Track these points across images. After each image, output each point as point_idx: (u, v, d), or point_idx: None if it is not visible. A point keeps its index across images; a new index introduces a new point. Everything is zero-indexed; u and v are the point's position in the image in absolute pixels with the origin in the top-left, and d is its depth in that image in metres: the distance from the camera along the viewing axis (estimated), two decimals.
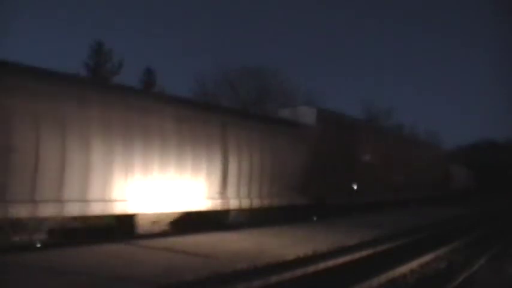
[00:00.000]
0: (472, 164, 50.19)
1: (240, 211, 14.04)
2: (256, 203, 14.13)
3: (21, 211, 8.66)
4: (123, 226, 11.29)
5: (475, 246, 12.86)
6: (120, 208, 10.33)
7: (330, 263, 9.22)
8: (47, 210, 9.04)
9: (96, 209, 9.86)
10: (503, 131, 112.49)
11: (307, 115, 17.65)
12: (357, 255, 10.26)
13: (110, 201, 10.11)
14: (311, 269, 8.57)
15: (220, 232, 11.97)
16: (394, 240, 12.61)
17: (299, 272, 8.23)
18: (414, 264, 9.87)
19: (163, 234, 11.36)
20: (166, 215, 12.13)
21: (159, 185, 11.14)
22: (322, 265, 8.91)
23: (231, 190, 13.18)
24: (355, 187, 18.77)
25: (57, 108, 9.39)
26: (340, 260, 9.58)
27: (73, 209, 9.45)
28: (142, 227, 11.84)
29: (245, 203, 13.72)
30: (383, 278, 8.38)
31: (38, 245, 9.33)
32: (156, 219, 12.20)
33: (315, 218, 16.46)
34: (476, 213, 24.36)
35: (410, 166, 26.51)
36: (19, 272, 7.02)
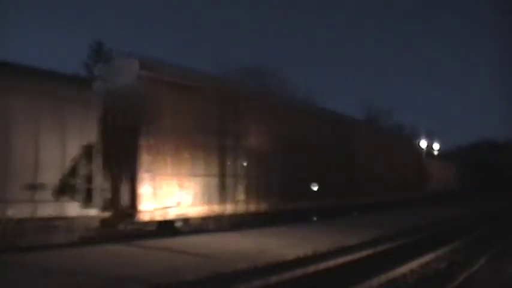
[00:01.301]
0: (472, 164, 50.14)
1: None
2: None
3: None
4: None
5: (475, 246, 12.83)
6: None
7: (331, 263, 9.21)
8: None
9: None
10: (503, 131, 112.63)
11: (123, 71, 11.22)
12: (357, 255, 10.26)
13: None
14: (311, 269, 8.56)
15: (220, 232, 11.96)
16: (394, 240, 12.60)
17: (299, 272, 8.22)
18: (414, 264, 9.85)
19: (163, 234, 11.33)
20: None
21: None
22: (322, 265, 8.91)
23: None
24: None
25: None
26: (340, 260, 9.57)
27: None
28: None
29: None
30: (383, 278, 8.36)
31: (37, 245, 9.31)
32: None
33: None
34: (476, 213, 24.31)
35: (354, 159, 20.37)
36: (19, 272, 7.02)
